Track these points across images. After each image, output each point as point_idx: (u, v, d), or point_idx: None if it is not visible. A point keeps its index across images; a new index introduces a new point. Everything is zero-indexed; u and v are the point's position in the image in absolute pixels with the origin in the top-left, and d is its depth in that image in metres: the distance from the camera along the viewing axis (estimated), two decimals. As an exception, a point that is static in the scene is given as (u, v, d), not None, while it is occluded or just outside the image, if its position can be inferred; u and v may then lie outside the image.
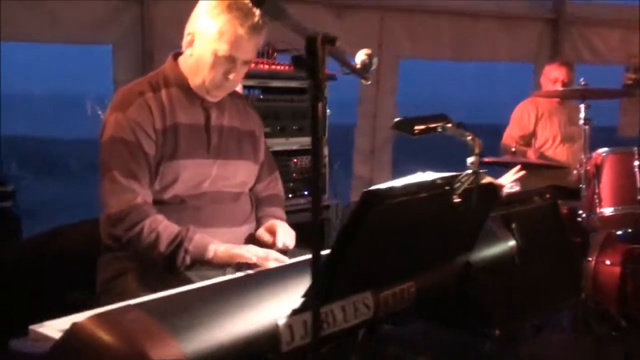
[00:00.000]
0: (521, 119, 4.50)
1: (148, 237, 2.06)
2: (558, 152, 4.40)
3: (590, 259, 3.53)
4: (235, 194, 2.30)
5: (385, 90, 5.28)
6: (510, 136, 4.51)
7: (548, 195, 3.19)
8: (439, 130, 2.28)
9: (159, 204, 2.16)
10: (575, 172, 3.83)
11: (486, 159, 3.74)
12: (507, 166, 3.74)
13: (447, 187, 1.65)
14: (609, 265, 3.53)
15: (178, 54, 2.33)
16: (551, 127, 4.46)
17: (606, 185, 3.54)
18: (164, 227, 2.07)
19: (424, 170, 1.79)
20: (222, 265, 2.10)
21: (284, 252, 2.17)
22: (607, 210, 3.53)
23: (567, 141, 4.44)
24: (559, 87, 4.34)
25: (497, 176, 5.22)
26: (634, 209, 3.48)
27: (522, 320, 2.99)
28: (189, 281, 2.08)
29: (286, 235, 2.24)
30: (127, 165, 2.11)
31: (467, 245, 2.02)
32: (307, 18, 4.43)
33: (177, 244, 2.05)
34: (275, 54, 3.77)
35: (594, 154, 3.60)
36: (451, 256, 1.98)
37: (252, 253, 2.04)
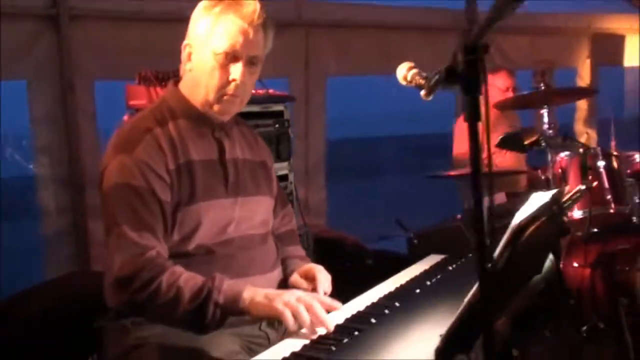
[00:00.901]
0: (461, 133, 4.48)
1: (167, 294, 1.74)
2: (506, 160, 4.40)
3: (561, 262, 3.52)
4: (262, 235, 2.04)
5: (315, 110, 5.13)
6: (460, 148, 4.47)
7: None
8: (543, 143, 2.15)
9: (182, 257, 1.86)
10: (542, 176, 3.81)
11: (451, 173, 3.66)
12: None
13: (557, 207, 1.50)
14: (577, 267, 3.54)
15: (177, 80, 2.06)
16: (497, 137, 4.45)
17: (573, 188, 3.54)
18: (185, 279, 1.76)
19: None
20: (259, 318, 1.83)
21: None
22: (577, 214, 3.52)
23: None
24: (510, 95, 4.35)
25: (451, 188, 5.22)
26: (604, 209, 3.50)
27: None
28: (224, 345, 1.80)
29: (325, 281, 2.00)
30: (138, 216, 1.80)
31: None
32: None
33: (204, 297, 1.74)
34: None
35: (558, 158, 3.59)
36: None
37: (296, 298, 1.73)
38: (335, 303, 1.77)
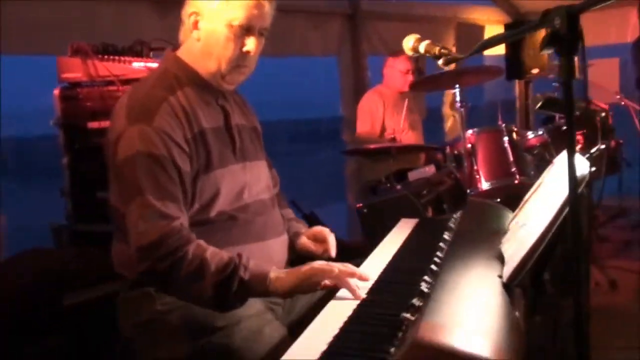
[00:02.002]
0: (370, 110, 4.68)
1: (191, 263, 1.72)
2: (405, 139, 4.65)
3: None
4: (271, 199, 2.09)
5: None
6: (364, 127, 4.66)
7: (453, 175, 3.42)
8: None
9: (204, 224, 1.86)
10: (447, 150, 4.08)
11: (372, 146, 3.84)
12: (378, 153, 3.89)
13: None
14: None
15: (175, 48, 2.04)
16: (397, 117, 4.69)
17: (482, 161, 3.85)
18: (211, 253, 1.76)
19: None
20: (287, 293, 1.79)
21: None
22: (485, 185, 3.83)
23: (412, 129, 4.72)
24: (410, 78, 4.60)
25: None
26: (508, 180, 3.84)
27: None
28: (251, 305, 1.84)
29: (334, 244, 2.08)
30: (161, 186, 1.78)
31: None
32: (129, 16, 4.17)
33: (230, 271, 1.74)
34: (151, 53, 3.44)
35: (467, 134, 3.88)
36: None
37: (331, 269, 1.71)
38: (366, 274, 1.74)
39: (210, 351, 1.80)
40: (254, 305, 1.87)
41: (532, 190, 2.08)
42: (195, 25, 1.95)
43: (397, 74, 4.70)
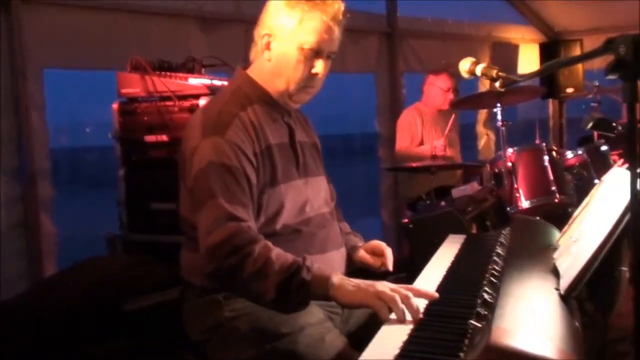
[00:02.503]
0: (410, 126, 4.77)
1: (257, 262, 1.79)
2: (445, 157, 4.74)
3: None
4: (330, 213, 2.19)
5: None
6: (403, 142, 4.75)
7: (494, 193, 3.50)
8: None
9: (270, 236, 1.94)
10: (487, 169, 4.15)
11: (413, 164, 3.93)
12: (420, 170, 3.98)
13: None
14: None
15: (245, 66, 2.15)
16: (436, 134, 4.79)
17: (522, 180, 3.92)
18: (276, 253, 1.84)
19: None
20: (347, 306, 1.84)
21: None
22: (525, 203, 3.90)
23: (450, 147, 4.80)
24: (450, 96, 4.70)
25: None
26: (548, 199, 3.90)
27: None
28: (312, 313, 1.93)
29: (391, 258, 2.17)
30: (233, 192, 1.89)
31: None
32: (177, 33, 4.30)
33: (293, 272, 1.80)
34: (203, 69, 3.58)
35: (507, 153, 3.96)
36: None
37: (394, 291, 1.68)
38: (432, 292, 1.73)
39: (276, 356, 1.89)
40: (316, 314, 1.96)
41: (581, 207, 2.16)
42: (268, 46, 2.05)
43: (437, 91, 4.80)
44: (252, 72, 2.13)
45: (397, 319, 1.62)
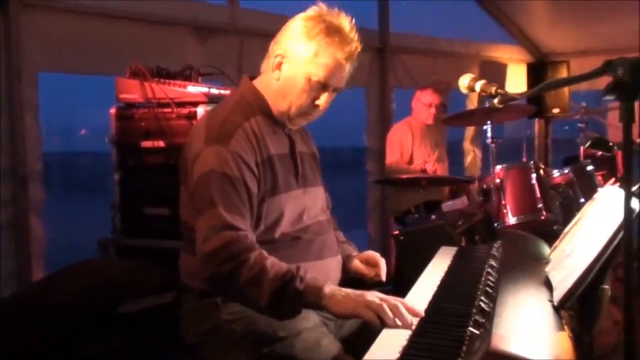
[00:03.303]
0: (400, 140, 4.84)
1: (252, 269, 1.84)
2: (432, 171, 4.80)
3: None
4: (327, 221, 2.24)
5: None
6: (393, 157, 4.81)
7: (483, 208, 3.56)
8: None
9: (269, 243, 2.00)
10: (475, 184, 4.22)
11: (403, 176, 3.99)
12: (409, 183, 4.04)
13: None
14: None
15: (252, 77, 2.20)
16: (425, 149, 4.86)
17: (510, 196, 3.98)
18: (271, 262, 1.88)
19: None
20: (339, 315, 1.87)
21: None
22: (512, 219, 3.96)
23: (439, 162, 4.87)
24: (433, 111, 4.77)
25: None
26: (535, 216, 3.97)
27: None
28: (309, 318, 1.97)
29: (385, 268, 2.22)
30: (232, 202, 1.93)
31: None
32: (172, 41, 4.34)
33: (287, 281, 1.84)
34: (200, 77, 3.62)
35: (496, 169, 4.02)
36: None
37: (383, 301, 1.75)
38: (417, 309, 1.76)
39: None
40: (312, 319, 2.00)
41: (572, 222, 2.22)
42: (279, 66, 2.10)
43: (422, 106, 4.88)
44: (258, 83, 2.17)
45: (389, 327, 1.67)
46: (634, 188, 2.52)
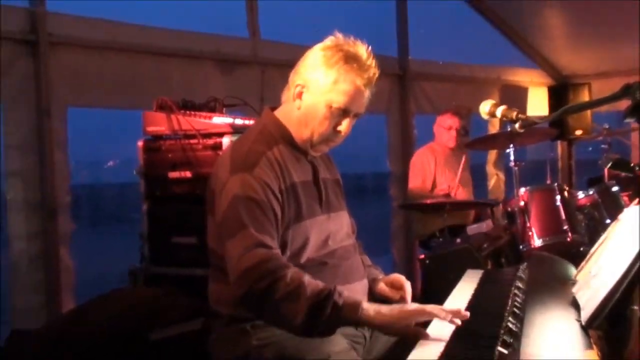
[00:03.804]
0: (422, 166, 4.86)
1: (289, 285, 1.87)
2: (458, 196, 4.81)
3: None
4: (353, 245, 2.27)
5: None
6: (416, 182, 4.84)
7: (508, 231, 3.56)
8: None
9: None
10: (500, 208, 4.23)
11: (427, 201, 4.00)
12: (433, 208, 4.05)
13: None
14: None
15: (273, 107, 2.25)
16: (449, 174, 4.88)
17: (535, 219, 3.98)
18: (308, 279, 1.91)
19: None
20: (384, 328, 1.92)
21: None
22: (537, 242, 3.95)
23: (463, 186, 4.88)
24: (454, 134, 4.80)
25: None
26: (561, 238, 3.96)
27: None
28: (337, 343, 1.99)
29: (410, 291, 2.23)
30: (261, 224, 1.97)
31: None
32: (196, 74, 4.42)
33: (325, 296, 1.87)
34: (224, 109, 3.69)
35: (520, 192, 4.03)
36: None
37: (440, 310, 1.84)
38: (464, 312, 1.83)
39: (302, 384, 1.95)
40: (340, 343, 2.02)
41: (597, 244, 2.22)
42: (299, 95, 2.15)
43: (442, 130, 4.92)
44: (279, 113, 2.21)
45: (442, 319, 1.78)
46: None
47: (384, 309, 1.89)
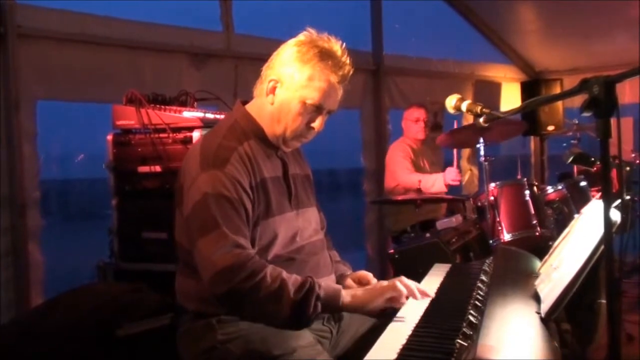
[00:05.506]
0: (405, 154, 4.89)
1: (272, 285, 1.90)
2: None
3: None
4: (321, 241, 2.27)
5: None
6: (392, 182, 4.86)
7: (478, 225, 3.60)
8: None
9: None
10: (470, 202, 4.26)
11: (398, 198, 4.02)
12: (405, 203, 4.07)
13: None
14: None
15: (244, 101, 2.24)
16: (423, 166, 4.91)
17: (504, 213, 4.02)
18: (286, 275, 1.95)
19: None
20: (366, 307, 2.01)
21: None
22: (507, 236, 3.99)
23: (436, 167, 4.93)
24: (422, 125, 4.84)
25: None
26: (530, 232, 4.00)
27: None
28: (303, 337, 2.00)
29: None
30: (234, 223, 1.96)
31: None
32: (168, 67, 4.40)
33: (307, 289, 1.92)
34: (196, 103, 3.67)
35: (490, 187, 4.06)
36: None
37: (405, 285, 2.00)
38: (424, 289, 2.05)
39: (268, 378, 1.96)
40: (306, 337, 2.03)
41: (561, 237, 2.26)
42: (273, 90, 2.13)
43: (410, 123, 4.96)
44: (251, 108, 2.20)
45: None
46: (617, 201, 2.57)
47: (359, 291, 2.02)
